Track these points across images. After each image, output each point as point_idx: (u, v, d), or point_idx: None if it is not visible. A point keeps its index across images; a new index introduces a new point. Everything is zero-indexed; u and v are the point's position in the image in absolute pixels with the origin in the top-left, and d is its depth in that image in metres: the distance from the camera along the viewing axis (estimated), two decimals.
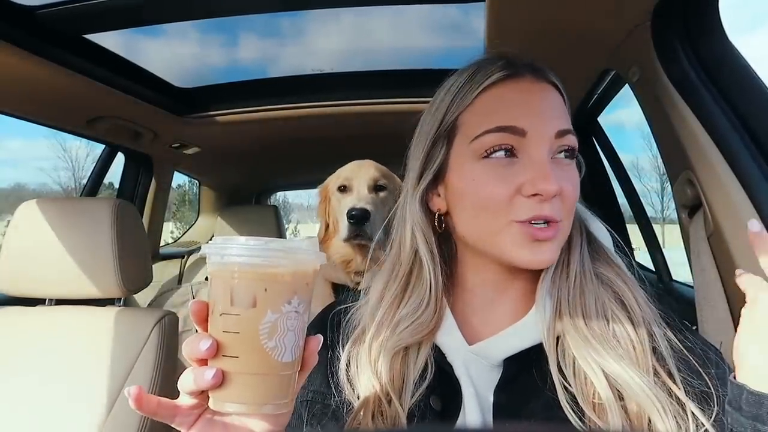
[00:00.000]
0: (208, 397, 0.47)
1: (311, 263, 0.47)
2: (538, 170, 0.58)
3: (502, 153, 0.60)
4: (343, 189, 1.55)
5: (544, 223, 0.58)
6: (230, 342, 0.45)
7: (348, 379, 0.63)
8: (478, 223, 0.62)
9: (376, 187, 1.53)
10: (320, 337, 0.50)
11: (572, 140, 0.62)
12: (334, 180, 1.59)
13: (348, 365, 0.64)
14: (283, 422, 0.51)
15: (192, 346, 0.46)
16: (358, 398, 0.61)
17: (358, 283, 1.48)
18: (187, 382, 0.46)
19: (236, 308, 0.45)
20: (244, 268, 0.45)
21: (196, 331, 0.48)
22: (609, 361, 0.56)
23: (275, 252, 0.45)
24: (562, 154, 0.61)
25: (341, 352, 0.65)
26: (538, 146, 0.59)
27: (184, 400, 0.48)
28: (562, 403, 0.55)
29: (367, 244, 1.44)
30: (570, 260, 0.63)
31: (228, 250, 0.45)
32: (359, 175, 1.53)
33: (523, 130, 0.59)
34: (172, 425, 0.49)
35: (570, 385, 0.56)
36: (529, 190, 0.58)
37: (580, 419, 0.54)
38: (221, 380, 0.45)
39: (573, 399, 0.56)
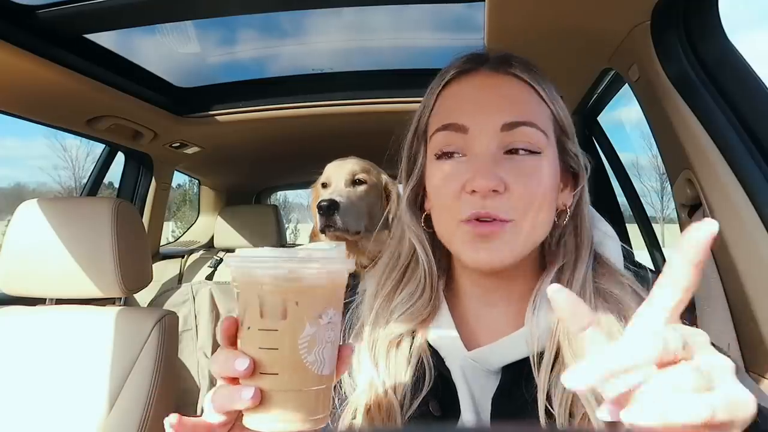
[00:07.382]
0: (240, 414, 0.44)
1: (342, 273, 0.45)
2: (477, 166, 0.57)
3: (450, 155, 0.59)
4: (324, 185, 1.63)
5: (489, 220, 0.56)
6: (268, 359, 0.42)
7: (350, 374, 0.63)
8: (440, 225, 0.62)
9: (354, 182, 1.60)
10: (353, 346, 0.49)
11: (526, 133, 0.58)
12: (321, 178, 1.67)
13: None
14: None
15: (226, 365, 0.42)
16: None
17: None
18: (219, 401, 0.43)
19: (270, 322, 0.42)
20: (274, 281, 0.42)
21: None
22: None
23: (307, 263, 0.43)
24: (520, 150, 0.58)
25: None
26: (479, 142, 0.58)
27: (214, 417, 0.44)
28: (541, 422, 0.54)
29: (341, 235, 1.50)
30: (573, 279, 0.60)
31: (256, 262, 0.43)
32: (338, 171, 1.61)
33: (464, 126, 0.58)
34: None
35: (552, 408, 0.55)
36: (468, 187, 0.57)
37: None
38: (260, 400, 0.42)
39: (554, 421, 0.54)
